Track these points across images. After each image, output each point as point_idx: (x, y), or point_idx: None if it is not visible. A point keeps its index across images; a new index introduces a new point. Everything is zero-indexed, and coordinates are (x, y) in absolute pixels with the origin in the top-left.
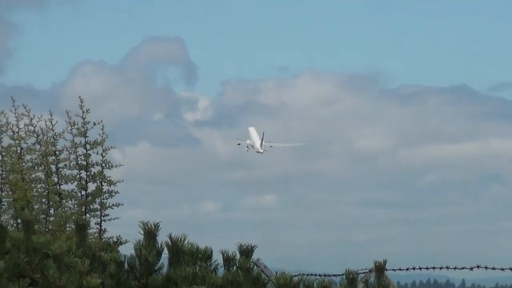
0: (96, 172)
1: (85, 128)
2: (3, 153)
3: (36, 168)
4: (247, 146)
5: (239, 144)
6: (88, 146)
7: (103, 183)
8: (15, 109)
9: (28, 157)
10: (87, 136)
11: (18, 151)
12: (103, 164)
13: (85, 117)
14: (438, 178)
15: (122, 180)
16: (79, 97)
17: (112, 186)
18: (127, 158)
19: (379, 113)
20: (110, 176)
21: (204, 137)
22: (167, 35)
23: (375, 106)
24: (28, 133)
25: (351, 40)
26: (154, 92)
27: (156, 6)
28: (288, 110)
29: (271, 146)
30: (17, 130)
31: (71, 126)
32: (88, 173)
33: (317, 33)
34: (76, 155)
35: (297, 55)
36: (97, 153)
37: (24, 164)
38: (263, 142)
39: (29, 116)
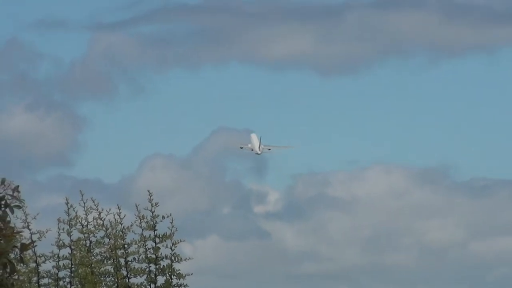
0: (165, 265)
1: (154, 221)
2: (73, 247)
3: (105, 261)
4: (251, 149)
5: (242, 147)
6: (157, 240)
7: (172, 276)
8: (84, 203)
9: (97, 250)
10: (156, 230)
11: (87, 245)
12: (173, 258)
13: (154, 211)
14: (510, 271)
15: (192, 274)
16: (148, 191)
17: (181, 279)
18: (197, 252)
19: (450, 206)
20: (179, 270)
21: (274, 230)
22: (236, 127)
23: (445, 199)
24: (97, 226)
25: (421, 133)
26: (223, 184)
27: (225, 98)
28: (358, 203)
29: (269, 149)
30: (86, 223)
31: (140, 220)
32: (157, 267)
33: (386, 127)
34: (145, 248)
35: (366, 148)
36: (167, 247)
37: (93, 257)
38: (261, 146)
39: (97, 209)
